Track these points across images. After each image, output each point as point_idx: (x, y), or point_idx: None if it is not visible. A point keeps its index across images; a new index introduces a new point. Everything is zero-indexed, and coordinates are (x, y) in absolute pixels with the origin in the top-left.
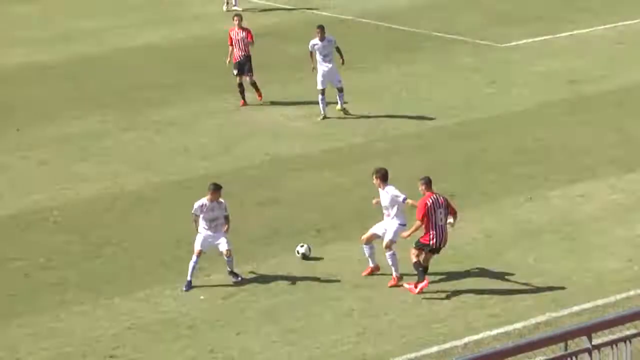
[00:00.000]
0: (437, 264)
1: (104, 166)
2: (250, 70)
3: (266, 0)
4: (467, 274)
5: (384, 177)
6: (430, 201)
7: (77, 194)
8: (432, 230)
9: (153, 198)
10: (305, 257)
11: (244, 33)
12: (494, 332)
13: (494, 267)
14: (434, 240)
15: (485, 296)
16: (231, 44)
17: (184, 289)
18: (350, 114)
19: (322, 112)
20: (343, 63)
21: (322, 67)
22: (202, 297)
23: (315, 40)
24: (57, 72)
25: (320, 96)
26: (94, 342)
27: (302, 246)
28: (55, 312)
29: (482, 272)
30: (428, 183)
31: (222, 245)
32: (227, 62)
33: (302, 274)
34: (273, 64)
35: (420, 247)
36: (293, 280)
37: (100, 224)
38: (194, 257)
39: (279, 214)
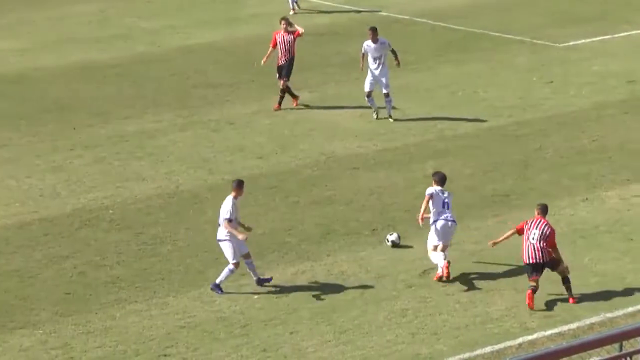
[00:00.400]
0: (492, 264)
1: (160, 165)
2: (287, 75)
3: (323, 0)
4: (521, 274)
5: (442, 180)
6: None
7: (133, 193)
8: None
9: (208, 197)
10: (395, 244)
11: (290, 36)
12: (548, 332)
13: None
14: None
15: (540, 296)
16: (274, 47)
17: (218, 292)
18: (399, 119)
19: (374, 112)
20: (398, 65)
21: (372, 69)
22: (256, 297)
23: (368, 42)
24: (115, 71)
25: (367, 98)
26: (147, 341)
27: (391, 234)
28: (109, 310)
29: None
30: (544, 210)
31: (244, 247)
32: (263, 62)
33: (356, 273)
34: (330, 63)
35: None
36: (347, 279)
37: (155, 223)
38: (233, 267)
39: (334, 213)
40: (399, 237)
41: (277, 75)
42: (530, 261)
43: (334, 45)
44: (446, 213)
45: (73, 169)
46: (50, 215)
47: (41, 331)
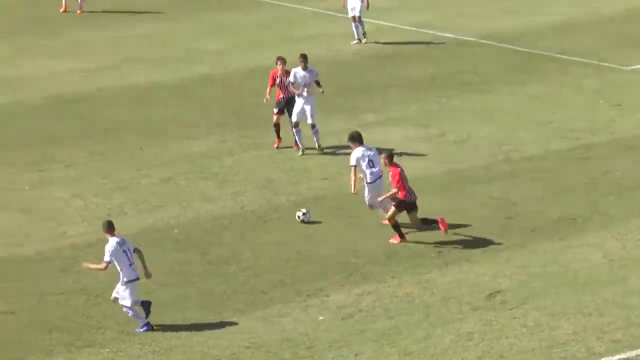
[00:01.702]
0: (559, 287)
1: (225, 185)
2: (289, 112)
3: (386, 21)
4: (589, 298)
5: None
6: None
7: (198, 213)
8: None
9: (272, 217)
10: (303, 221)
11: (287, 78)
12: (616, 357)
13: (617, 292)
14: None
15: (607, 321)
16: (271, 85)
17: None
18: (464, 140)
19: (301, 148)
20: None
21: (299, 98)
22: (321, 318)
23: (297, 69)
24: (180, 91)
25: (293, 129)
26: None
27: (304, 214)
28: (175, 329)
29: (604, 297)
30: (390, 157)
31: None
32: (265, 100)
33: (422, 295)
34: (394, 85)
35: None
36: (412, 301)
37: (219, 243)
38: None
39: None
40: (305, 214)
41: (276, 110)
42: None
43: (397, 67)
44: (373, 169)
45: (139, 189)
46: (117, 234)
47: (107, 350)
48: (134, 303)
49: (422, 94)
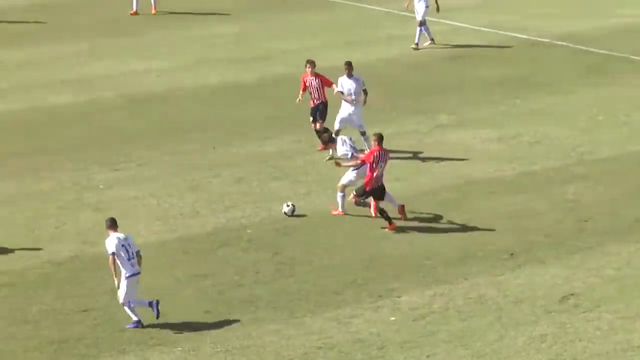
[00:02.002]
0: (634, 291)
1: (297, 185)
2: (322, 118)
3: (461, 22)
4: None
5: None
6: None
7: (271, 213)
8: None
9: (343, 218)
10: (287, 216)
11: (318, 80)
12: None
13: None
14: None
15: None
16: (304, 90)
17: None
18: (539, 142)
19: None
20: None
21: (345, 106)
22: (392, 318)
23: (343, 78)
24: (254, 91)
25: (334, 136)
26: None
27: (288, 206)
28: (247, 329)
29: None
30: (380, 139)
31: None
32: (298, 100)
33: (494, 297)
34: (467, 86)
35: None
36: (485, 303)
37: (292, 243)
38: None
39: (471, 237)
40: (289, 206)
41: (311, 118)
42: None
43: (472, 69)
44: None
45: (212, 188)
46: (190, 234)
47: (180, 348)
48: (133, 302)
49: (496, 95)
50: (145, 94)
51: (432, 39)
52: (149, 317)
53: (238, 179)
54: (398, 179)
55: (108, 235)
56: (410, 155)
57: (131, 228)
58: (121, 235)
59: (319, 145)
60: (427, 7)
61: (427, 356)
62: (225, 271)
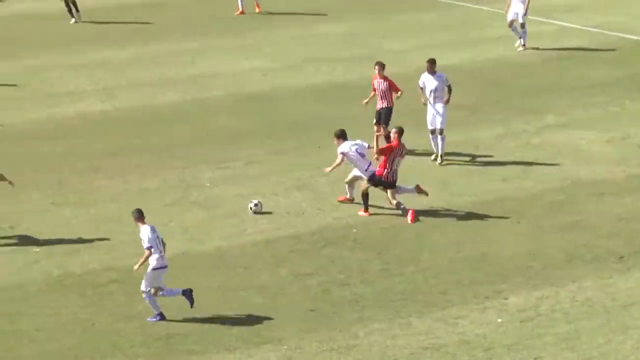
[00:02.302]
0: None
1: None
2: (386, 122)
3: (568, 22)
4: None
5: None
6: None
7: (376, 212)
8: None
9: (450, 218)
10: (256, 212)
11: (386, 83)
12: None
13: None
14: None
15: None
16: (374, 92)
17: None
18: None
19: (436, 152)
20: (447, 102)
21: (431, 104)
22: (499, 320)
23: (425, 74)
24: (359, 91)
25: (430, 135)
26: None
27: (255, 205)
28: (353, 329)
29: None
30: (400, 133)
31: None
32: (365, 102)
33: (602, 300)
34: (575, 87)
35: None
36: (592, 306)
37: (398, 243)
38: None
39: (579, 239)
40: (257, 205)
41: (375, 120)
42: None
43: (580, 69)
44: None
45: (318, 187)
46: (296, 232)
47: (286, 347)
48: (167, 292)
49: (604, 96)
50: (251, 93)
51: (524, 45)
52: (251, 314)
53: (344, 178)
54: (505, 180)
55: (139, 228)
56: (518, 155)
57: (237, 227)
58: (152, 227)
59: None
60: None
61: (534, 358)
62: (330, 270)
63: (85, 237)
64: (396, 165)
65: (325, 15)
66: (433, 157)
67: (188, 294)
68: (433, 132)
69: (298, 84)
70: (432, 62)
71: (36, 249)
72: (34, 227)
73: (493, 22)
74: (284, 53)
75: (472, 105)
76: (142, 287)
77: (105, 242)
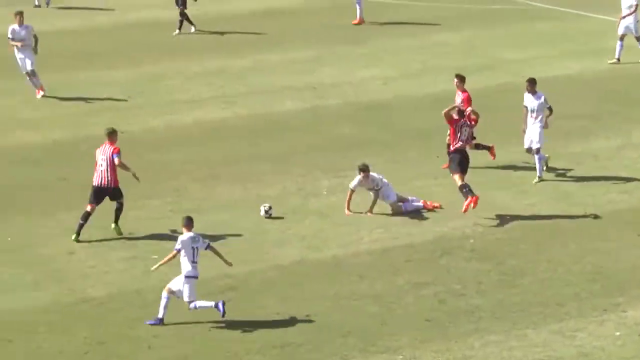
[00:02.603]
0: None
1: (521, 196)
2: None
3: None
4: None
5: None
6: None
7: (494, 222)
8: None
9: (568, 229)
10: (268, 217)
11: (462, 96)
12: None
13: None
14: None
15: None
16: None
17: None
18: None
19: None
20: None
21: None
22: (617, 333)
23: (526, 94)
24: (477, 101)
25: (535, 155)
26: None
27: (266, 211)
28: (468, 339)
29: None
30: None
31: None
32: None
33: None
34: None
35: None
36: None
37: (515, 254)
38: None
39: None
40: (268, 210)
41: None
42: None
43: None
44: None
45: (437, 196)
46: (413, 241)
47: (401, 357)
48: (200, 305)
49: None
50: (370, 101)
51: (618, 59)
52: (367, 323)
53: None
54: (625, 191)
55: (182, 233)
56: (638, 167)
57: (353, 235)
58: (194, 236)
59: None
60: (636, 21)
61: None
62: (447, 280)
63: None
64: (464, 137)
65: (443, 24)
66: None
67: (221, 306)
68: (528, 150)
69: (417, 92)
70: (531, 82)
71: (154, 255)
72: (152, 234)
73: (613, 32)
74: (403, 62)
75: (591, 115)
76: (186, 298)
77: (221, 249)
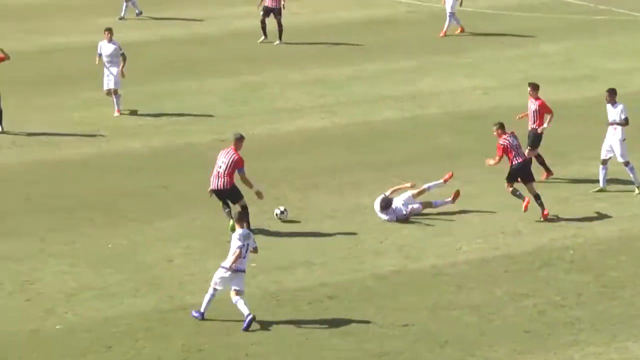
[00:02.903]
0: None
1: (620, 207)
2: (533, 145)
3: None
4: None
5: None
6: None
7: (594, 234)
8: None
9: None
10: (282, 220)
11: (535, 104)
12: None
13: None
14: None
15: None
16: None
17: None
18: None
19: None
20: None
21: (607, 134)
22: None
23: (608, 105)
24: (578, 111)
25: (600, 166)
26: None
27: (282, 212)
28: (567, 351)
29: None
30: (502, 127)
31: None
32: (518, 117)
33: None
34: None
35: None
36: None
37: (616, 265)
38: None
39: None
40: (283, 212)
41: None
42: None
43: None
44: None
45: (536, 207)
46: (512, 252)
47: None
48: (242, 306)
49: None
50: (470, 111)
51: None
52: (464, 333)
53: (562, 198)
54: None
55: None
56: None
57: (452, 245)
58: (245, 233)
59: (543, 173)
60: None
61: None
62: (546, 291)
63: (300, 252)
64: (518, 152)
65: (543, 35)
66: (597, 189)
67: (249, 320)
68: (604, 162)
69: (517, 103)
70: (610, 92)
71: (253, 264)
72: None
73: None
74: (503, 72)
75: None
76: (237, 288)
77: (320, 257)
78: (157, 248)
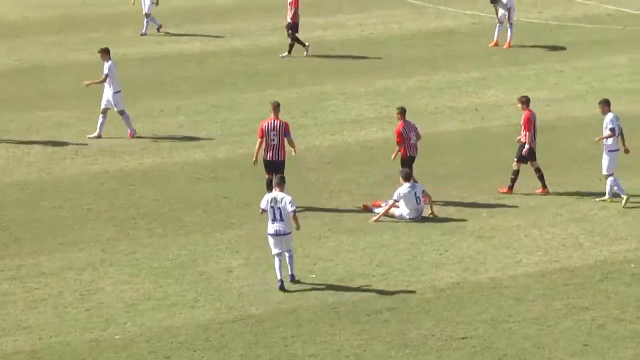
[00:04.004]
0: None
1: None
2: (518, 157)
3: None
4: None
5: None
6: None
7: None
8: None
9: None
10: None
11: (525, 117)
12: None
13: None
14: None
15: None
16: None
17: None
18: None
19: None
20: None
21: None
22: None
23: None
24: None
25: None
26: None
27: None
28: None
29: None
30: (402, 113)
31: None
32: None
33: None
34: None
35: None
36: None
37: None
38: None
39: None
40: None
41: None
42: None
43: None
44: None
45: (597, 220)
46: (572, 265)
47: None
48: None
49: None
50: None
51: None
52: (523, 346)
53: (624, 211)
54: None
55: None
56: None
57: (511, 257)
58: (278, 197)
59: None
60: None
61: None
62: (606, 305)
63: (360, 264)
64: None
65: (609, 46)
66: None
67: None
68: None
69: (582, 115)
70: (601, 103)
71: (312, 275)
72: (312, 253)
73: None
74: (568, 84)
75: None
76: (288, 247)
77: (379, 269)
78: (217, 258)
